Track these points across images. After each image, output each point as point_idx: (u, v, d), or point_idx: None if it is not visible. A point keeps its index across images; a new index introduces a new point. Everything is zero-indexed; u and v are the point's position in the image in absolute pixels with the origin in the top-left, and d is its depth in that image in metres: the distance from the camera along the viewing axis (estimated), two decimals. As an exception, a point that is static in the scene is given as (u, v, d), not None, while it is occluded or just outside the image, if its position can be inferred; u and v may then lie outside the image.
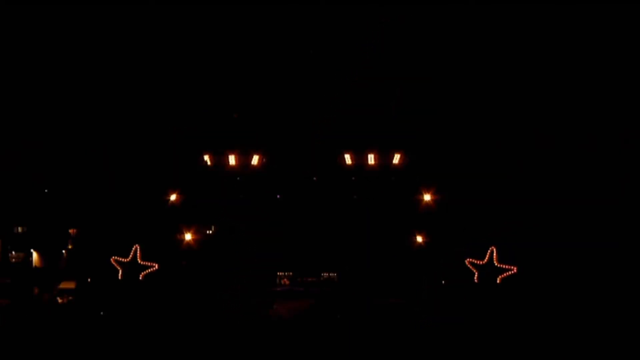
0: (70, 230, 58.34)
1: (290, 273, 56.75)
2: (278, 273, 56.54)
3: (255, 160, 56.51)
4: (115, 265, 51.46)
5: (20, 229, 58.49)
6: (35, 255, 58.00)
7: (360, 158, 55.94)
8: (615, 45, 54.15)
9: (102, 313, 50.21)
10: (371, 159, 55.75)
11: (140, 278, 50.96)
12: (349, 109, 56.49)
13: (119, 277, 51.02)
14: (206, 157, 56.87)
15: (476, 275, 49.98)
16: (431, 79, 55.91)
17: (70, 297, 55.21)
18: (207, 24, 56.67)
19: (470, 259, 50.20)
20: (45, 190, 58.35)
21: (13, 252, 58.18)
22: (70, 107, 57.83)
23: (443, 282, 52.69)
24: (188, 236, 55.09)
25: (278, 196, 57.59)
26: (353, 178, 56.74)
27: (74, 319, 49.11)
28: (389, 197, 56.05)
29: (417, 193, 54.90)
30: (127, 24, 57.00)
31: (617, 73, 54.02)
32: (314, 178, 57.48)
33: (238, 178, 57.07)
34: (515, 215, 52.12)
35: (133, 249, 51.42)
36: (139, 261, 51.35)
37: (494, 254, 49.58)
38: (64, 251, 58.10)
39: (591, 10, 53.26)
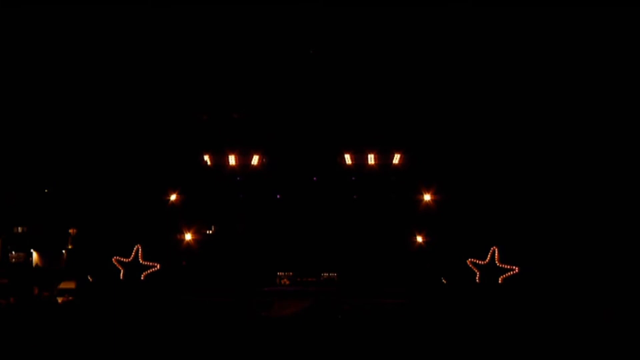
0: (70, 230, 58.23)
1: (290, 273, 56.62)
2: (278, 273, 56.42)
3: (255, 160, 56.61)
4: (117, 265, 51.46)
5: (20, 229, 58.41)
6: (35, 255, 57.91)
7: (360, 158, 56.06)
8: (615, 46, 54.29)
9: (102, 314, 50.17)
10: (371, 159, 55.88)
11: (142, 278, 51.03)
12: (349, 109, 56.49)
13: (121, 277, 51.05)
14: (206, 157, 56.98)
15: (478, 276, 50.05)
16: (431, 80, 55.93)
17: (70, 297, 55.16)
18: (207, 24, 56.66)
19: (472, 259, 50.23)
20: (45, 190, 58.30)
21: (13, 252, 58.10)
22: (70, 107, 57.81)
23: (444, 281, 52.73)
24: (188, 236, 55.19)
25: (278, 196, 57.51)
26: (353, 178, 56.79)
27: (74, 319, 48.97)
28: (389, 197, 56.08)
29: (417, 193, 55.02)
30: (127, 24, 56.99)
31: (617, 73, 54.11)
32: (314, 178, 57.37)
33: (238, 178, 57.14)
34: (516, 215, 52.15)
35: (135, 249, 51.43)
36: (141, 261, 51.38)
37: (496, 254, 49.63)
38: (64, 251, 57.98)
39: (591, 11, 53.37)
